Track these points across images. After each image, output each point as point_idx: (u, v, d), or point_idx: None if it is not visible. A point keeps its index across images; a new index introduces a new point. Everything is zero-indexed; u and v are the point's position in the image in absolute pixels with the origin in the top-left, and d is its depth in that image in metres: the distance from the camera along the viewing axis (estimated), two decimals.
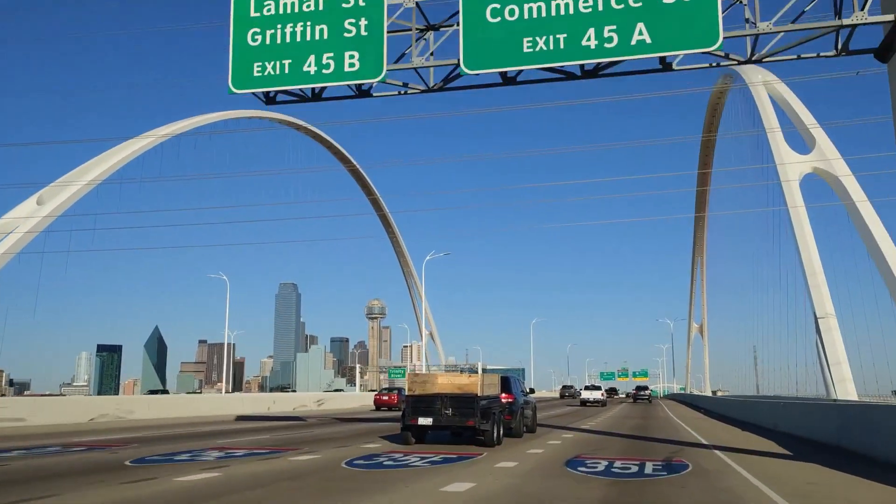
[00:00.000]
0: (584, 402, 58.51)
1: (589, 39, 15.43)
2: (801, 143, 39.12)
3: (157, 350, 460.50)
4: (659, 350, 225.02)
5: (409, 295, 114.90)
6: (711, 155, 67.74)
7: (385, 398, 45.91)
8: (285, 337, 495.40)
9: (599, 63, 16.05)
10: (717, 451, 16.54)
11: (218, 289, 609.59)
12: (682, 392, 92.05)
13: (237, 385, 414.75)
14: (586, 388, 62.91)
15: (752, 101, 43.01)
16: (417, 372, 17.86)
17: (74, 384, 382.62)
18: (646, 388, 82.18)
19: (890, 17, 14.67)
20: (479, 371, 18.46)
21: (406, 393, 17.57)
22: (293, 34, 17.12)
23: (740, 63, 16.40)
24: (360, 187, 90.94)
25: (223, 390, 76.97)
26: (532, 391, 24.28)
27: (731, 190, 63.83)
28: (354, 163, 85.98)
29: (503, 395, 19.89)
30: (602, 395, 59.94)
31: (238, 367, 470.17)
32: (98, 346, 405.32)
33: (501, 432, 18.05)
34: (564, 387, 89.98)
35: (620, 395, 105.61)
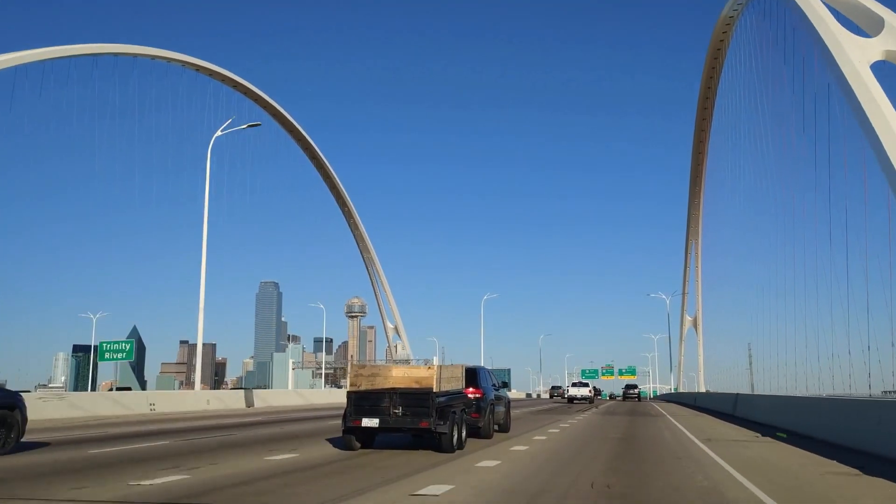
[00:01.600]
0: (571, 400, 59.87)
1: None
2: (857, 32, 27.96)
3: (136, 350, 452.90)
4: (648, 344, 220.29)
5: (371, 286, 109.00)
6: (712, 102, 60.27)
7: None
8: (266, 337, 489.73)
9: None
10: None
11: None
12: (676, 392, 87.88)
13: (216, 385, 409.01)
14: (573, 385, 64.22)
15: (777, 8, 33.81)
16: (364, 363, 14.75)
17: (51, 385, 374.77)
18: (635, 386, 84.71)
19: None
20: (436, 362, 15.40)
21: (348, 388, 14.54)
22: None
23: None
24: (302, 148, 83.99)
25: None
26: (505, 385, 21.18)
27: (736, 139, 53.94)
28: (296, 124, 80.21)
29: (469, 389, 16.87)
30: (589, 391, 61.46)
31: (220, 368, 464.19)
32: (74, 346, 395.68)
33: (464, 435, 14.98)
34: (553, 387, 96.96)
35: (603, 398, 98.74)
